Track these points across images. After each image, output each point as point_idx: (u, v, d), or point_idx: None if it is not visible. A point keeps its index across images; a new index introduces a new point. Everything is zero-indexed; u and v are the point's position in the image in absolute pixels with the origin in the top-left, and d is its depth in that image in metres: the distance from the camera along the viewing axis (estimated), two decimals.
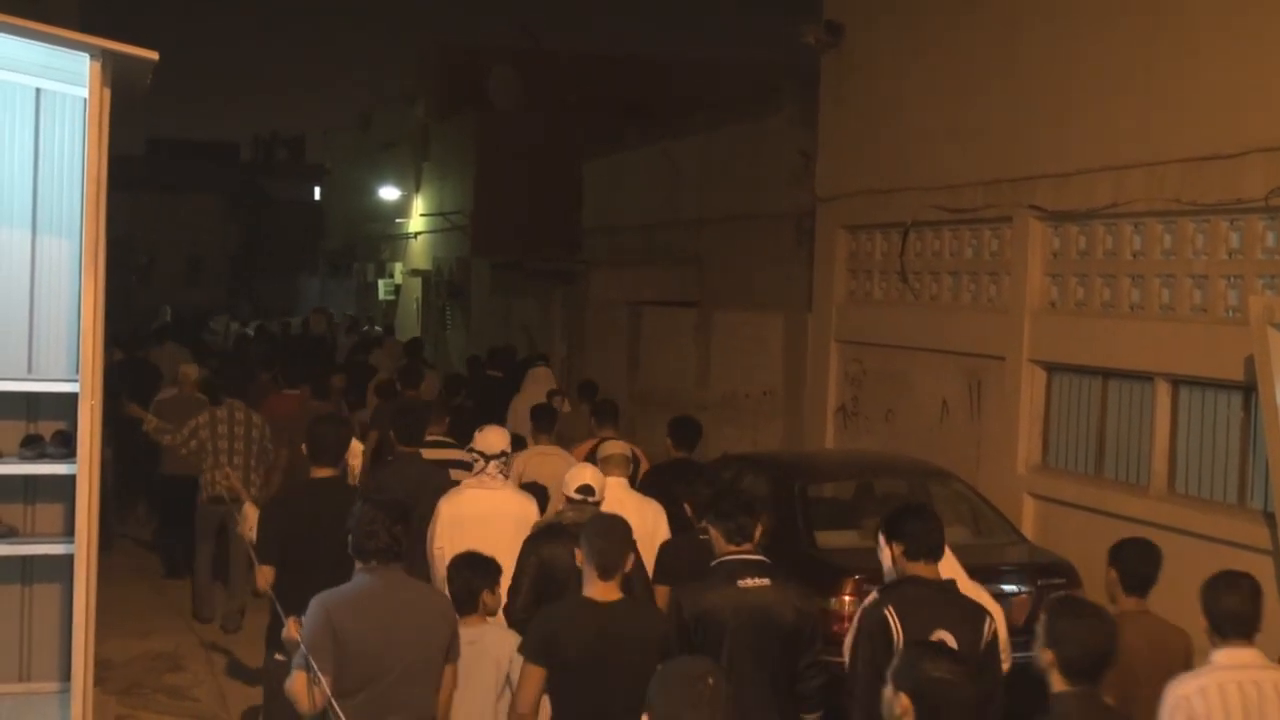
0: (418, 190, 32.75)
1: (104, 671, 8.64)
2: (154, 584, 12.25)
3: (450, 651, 5.29)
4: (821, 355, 14.63)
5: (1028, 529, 10.78)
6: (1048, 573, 8.97)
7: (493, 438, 7.57)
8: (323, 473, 6.66)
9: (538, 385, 13.90)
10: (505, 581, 6.25)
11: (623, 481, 7.77)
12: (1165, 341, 10.06)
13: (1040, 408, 11.48)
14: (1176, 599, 6.10)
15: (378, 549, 5.10)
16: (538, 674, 5.22)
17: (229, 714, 8.91)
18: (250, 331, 28.20)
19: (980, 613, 5.38)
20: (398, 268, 34.68)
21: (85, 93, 5.99)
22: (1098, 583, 6.04)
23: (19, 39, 5.80)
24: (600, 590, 5.36)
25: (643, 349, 18.87)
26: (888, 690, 3.86)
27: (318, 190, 54.39)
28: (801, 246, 15.31)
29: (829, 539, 9.17)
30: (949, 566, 5.81)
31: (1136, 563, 5.82)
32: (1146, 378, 10.31)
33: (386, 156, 35.16)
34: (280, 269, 56.10)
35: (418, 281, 32.63)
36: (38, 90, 6.48)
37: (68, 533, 6.28)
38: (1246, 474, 9.47)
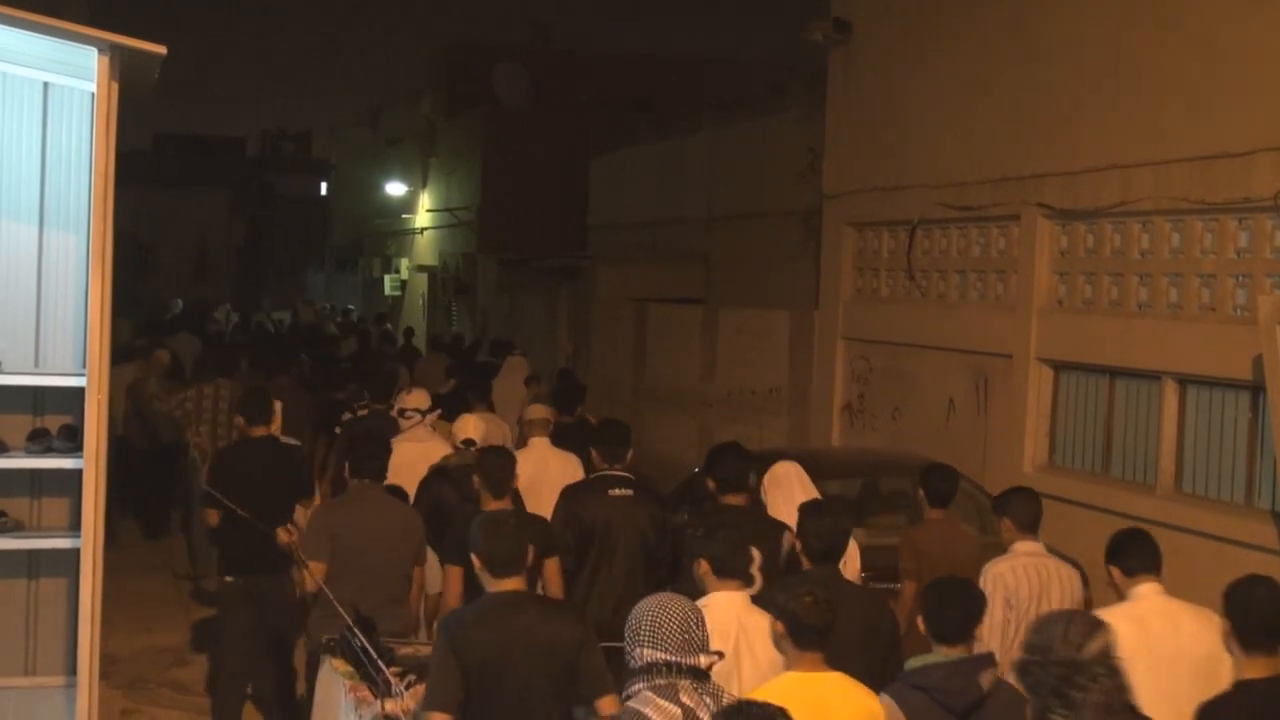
0: (424, 186, 32.73)
1: (109, 666, 8.66)
2: (160, 578, 12.26)
3: (419, 556, 6.89)
4: (828, 353, 14.61)
5: None
6: None
7: (419, 397, 9.34)
8: (258, 431, 8.18)
9: (514, 371, 15.35)
10: None
11: (545, 440, 8.92)
12: (1173, 340, 10.04)
13: (1047, 406, 11.46)
14: (1183, 599, 6.10)
15: (370, 471, 6.84)
16: (458, 573, 6.39)
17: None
18: (236, 320, 31.80)
19: (780, 529, 6.66)
20: (404, 263, 34.66)
21: (93, 87, 5.97)
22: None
23: (27, 33, 5.79)
24: (494, 505, 6.66)
25: (649, 346, 18.85)
26: (697, 561, 5.45)
27: (324, 186, 54.38)
28: (808, 244, 15.31)
29: None
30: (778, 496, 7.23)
31: (937, 483, 7.52)
32: (1154, 377, 10.29)
33: (393, 152, 35.15)
34: (286, 264, 56.11)
35: (424, 277, 32.63)
36: (45, 84, 6.47)
37: (74, 527, 6.27)
38: (1254, 474, 9.46)
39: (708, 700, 4.04)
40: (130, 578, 11.45)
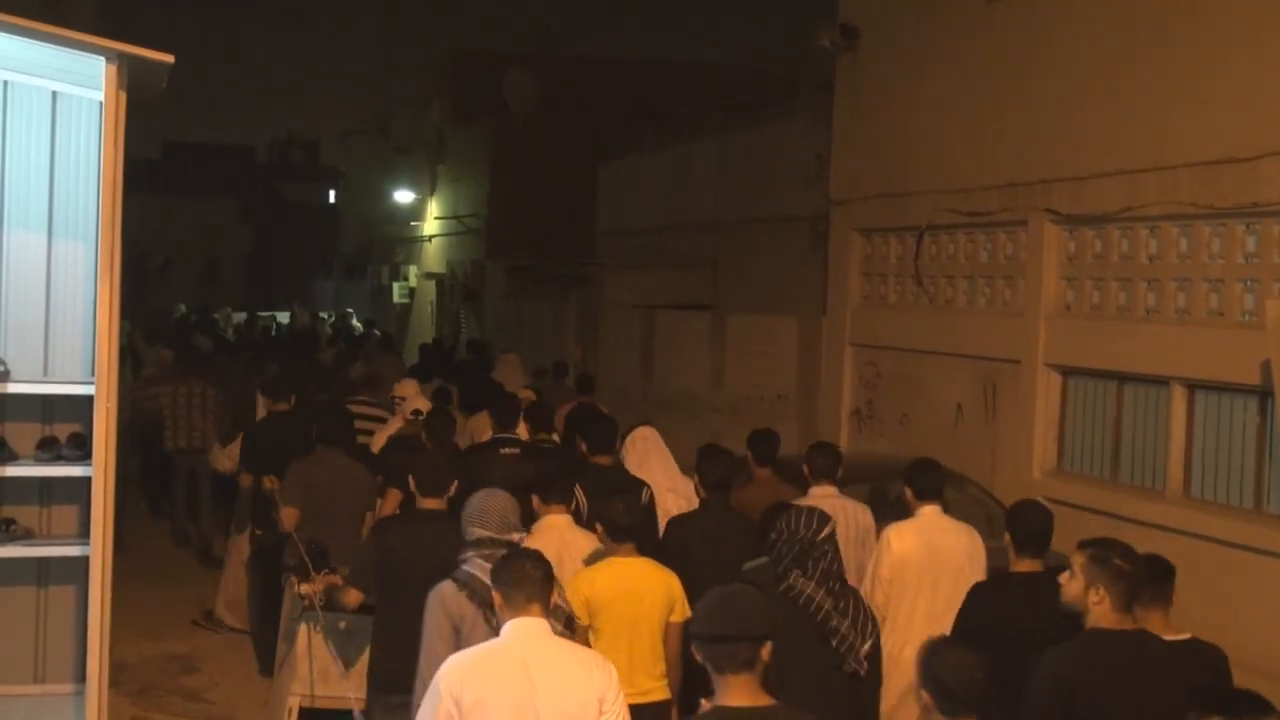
0: (432, 193, 32.77)
1: (119, 673, 8.64)
2: (169, 586, 12.26)
3: (370, 503, 8.56)
4: (836, 359, 14.61)
5: None
6: None
7: (405, 387, 10.98)
8: (280, 407, 10.29)
9: (505, 367, 16.22)
10: None
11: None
12: (1181, 345, 10.03)
13: (1055, 412, 11.45)
14: (1193, 604, 6.10)
15: (333, 438, 8.57)
16: (396, 493, 8.37)
17: (243, 715, 8.93)
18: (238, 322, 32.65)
19: (639, 484, 8.10)
20: (412, 271, 34.69)
21: (101, 96, 5.99)
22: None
23: (35, 42, 5.81)
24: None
25: (657, 352, 18.85)
26: (532, 497, 6.99)
27: (333, 193, 54.42)
28: (816, 250, 15.31)
29: None
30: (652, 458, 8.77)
31: (761, 446, 8.55)
32: (1162, 382, 10.28)
33: (401, 160, 35.18)
34: (295, 271, 56.18)
35: (432, 284, 32.65)
36: (54, 93, 6.49)
37: (83, 535, 6.28)
38: (1262, 479, 9.44)
39: None
40: (139, 585, 11.45)
